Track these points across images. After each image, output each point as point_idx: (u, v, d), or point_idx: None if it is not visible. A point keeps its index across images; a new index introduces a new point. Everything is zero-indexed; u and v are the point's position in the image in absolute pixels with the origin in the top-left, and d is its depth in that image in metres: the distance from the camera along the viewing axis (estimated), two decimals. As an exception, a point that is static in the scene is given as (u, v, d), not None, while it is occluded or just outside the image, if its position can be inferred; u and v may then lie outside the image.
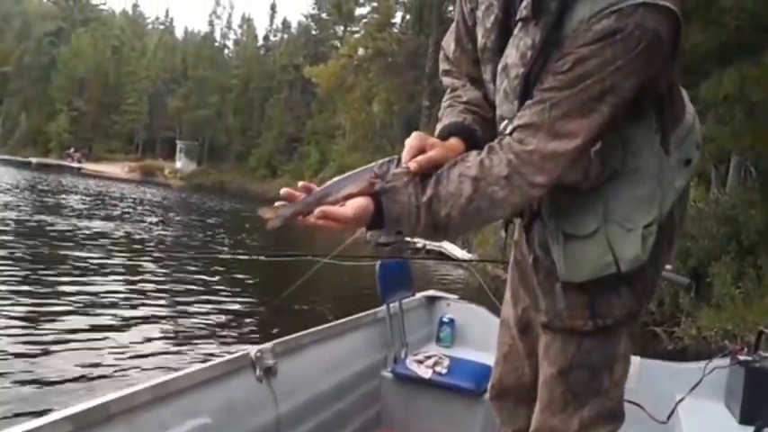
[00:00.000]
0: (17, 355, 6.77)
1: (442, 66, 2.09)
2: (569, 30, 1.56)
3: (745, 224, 12.54)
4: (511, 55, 1.68)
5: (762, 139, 12.20)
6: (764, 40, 11.57)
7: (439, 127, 1.88)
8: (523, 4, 1.64)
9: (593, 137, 1.60)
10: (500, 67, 1.73)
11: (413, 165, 1.62)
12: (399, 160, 1.64)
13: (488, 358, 2.86)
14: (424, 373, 3.89)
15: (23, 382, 6.12)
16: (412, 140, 1.70)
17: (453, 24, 2.02)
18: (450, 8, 43.96)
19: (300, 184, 1.64)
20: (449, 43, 2.05)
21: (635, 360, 3.64)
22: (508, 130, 1.63)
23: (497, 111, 1.79)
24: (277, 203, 1.62)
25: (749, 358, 3.52)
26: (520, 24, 1.66)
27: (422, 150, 1.67)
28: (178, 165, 71.30)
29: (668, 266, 2.24)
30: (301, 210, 1.60)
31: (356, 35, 52.39)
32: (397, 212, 1.59)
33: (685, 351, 10.34)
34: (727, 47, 11.87)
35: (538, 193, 1.65)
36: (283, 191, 1.63)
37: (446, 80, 2.06)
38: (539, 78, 1.60)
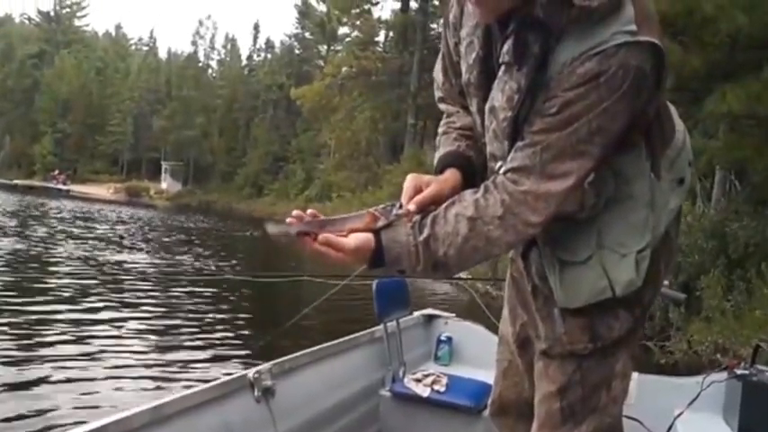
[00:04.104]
0: (9, 383, 6.66)
1: (437, 93, 2.14)
2: (554, 72, 1.57)
3: (732, 237, 12.63)
4: (497, 98, 1.70)
5: (753, 154, 12.32)
6: (759, 58, 11.68)
7: (436, 156, 1.96)
8: (505, 48, 1.65)
9: (586, 175, 1.64)
10: (487, 107, 1.75)
11: (412, 206, 1.68)
12: (402, 205, 1.70)
13: (486, 376, 2.86)
14: (423, 391, 3.88)
15: (18, 409, 6.03)
16: (407, 182, 1.76)
17: (440, 56, 2.06)
18: (434, 26, 44.28)
19: (309, 211, 1.69)
20: (438, 74, 2.09)
21: (632, 376, 3.65)
22: (501, 171, 1.66)
23: (488, 148, 1.81)
24: (288, 221, 1.67)
25: (746, 372, 3.54)
26: (503, 68, 1.67)
27: (418, 190, 1.74)
28: (163, 185, 71.13)
29: (664, 282, 2.26)
30: (305, 230, 1.65)
31: (340, 54, 52.61)
32: (397, 252, 1.65)
33: (677, 365, 10.35)
34: (720, 66, 11.99)
35: (532, 232, 1.69)
36: (295, 212, 1.67)
37: (441, 106, 2.11)
38: (527, 119, 1.63)
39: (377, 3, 46.68)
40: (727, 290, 11.68)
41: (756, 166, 12.91)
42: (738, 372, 3.56)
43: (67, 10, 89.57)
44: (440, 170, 1.87)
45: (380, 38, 48.53)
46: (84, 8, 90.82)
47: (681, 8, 10.39)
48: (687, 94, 11.67)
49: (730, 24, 11.34)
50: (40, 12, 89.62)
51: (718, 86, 11.61)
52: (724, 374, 3.67)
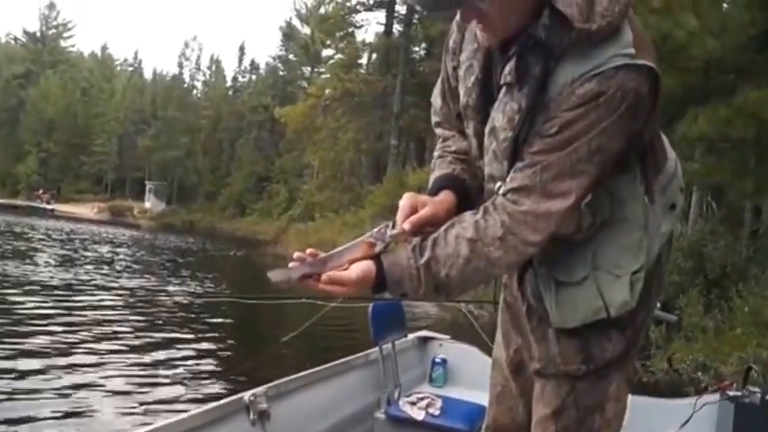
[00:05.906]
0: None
1: (434, 118, 2.15)
2: (554, 93, 1.61)
3: (709, 257, 12.77)
4: (497, 118, 1.72)
5: (730, 176, 12.44)
6: (732, 83, 11.83)
7: (431, 179, 1.97)
8: (507, 69, 1.68)
9: (585, 194, 1.67)
10: (487, 129, 1.77)
11: (407, 225, 1.70)
12: (395, 224, 1.72)
13: (481, 398, 2.87)
14: (417, 414, 3.89)
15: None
16: (404, 201, 1.78)
17: (439, 80, 2.07)
18: (416, 49, 44.46)
19: (309, 251, 1.71)
20: (436, 98, 2.11)
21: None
22: (501, 192, 1.68)
23: (486, 169, 1.83)
24: (290, 265, 1.69)
25: (738, 393, 3.55)
26: (504, 89, 1.70)
27: (414, 209, 1.75)
28: (147, 205, 70.78)
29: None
30: (308, 272, 1.67)
31: (324, 76, 52.65)
32: (399, 275, 1.66)
33: (658, 384, 10.35)
34: (694, 90, 12.14)
35: (532, 252, 1.71)
36: (296, 255, 1.70)
37: (437, 131, 2.13)
38: (527, 140, 1.66)
39: (360, 26, 46.87)
40: (706, 309, 11.78)
41: (733, 189, 13.04)
42: (730, 393, 3.58)
43: (53, 31, 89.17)
44: (434, 192, 1.88)
45: (364, 60, 48.50)
46: (70, 29, 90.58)
47: (654, 35, 10.53)
48: (663, 117, 11.80)
49: (702, 50, 11.52)
50: (26, 32, 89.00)
51: (692, 110, 11.77)
52: (716, 396, 3.69)
